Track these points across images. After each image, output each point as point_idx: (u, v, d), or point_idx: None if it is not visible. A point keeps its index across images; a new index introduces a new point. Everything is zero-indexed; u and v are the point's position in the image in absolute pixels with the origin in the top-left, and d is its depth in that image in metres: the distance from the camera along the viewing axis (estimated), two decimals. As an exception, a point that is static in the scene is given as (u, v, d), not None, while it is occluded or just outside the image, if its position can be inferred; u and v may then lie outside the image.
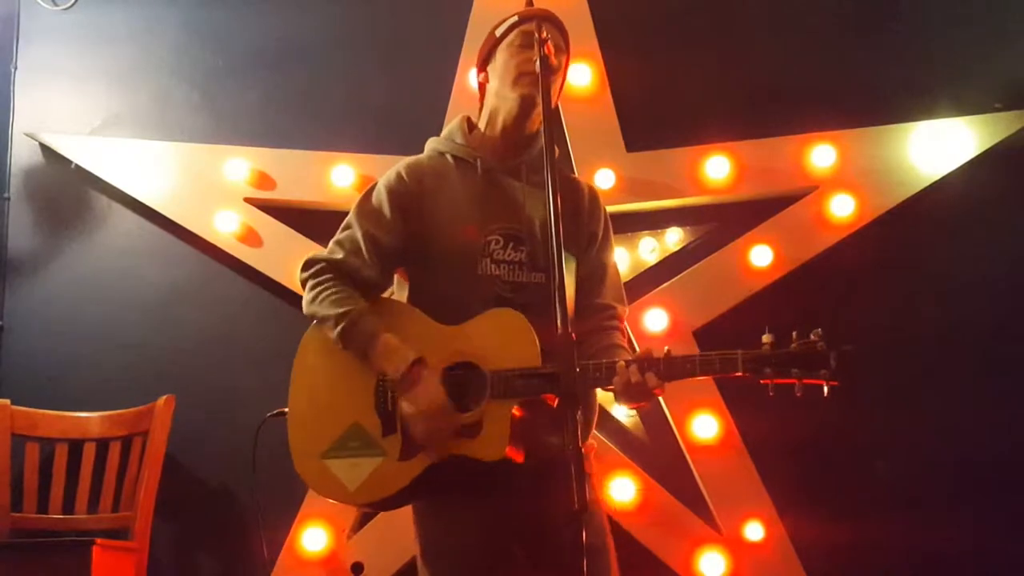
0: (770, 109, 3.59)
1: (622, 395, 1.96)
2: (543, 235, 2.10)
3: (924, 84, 3.57)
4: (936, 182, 3.45)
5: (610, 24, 3.61)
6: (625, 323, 2.27)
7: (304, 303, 2.18)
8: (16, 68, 3.85)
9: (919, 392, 3.36)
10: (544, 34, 2.03)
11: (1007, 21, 3.62)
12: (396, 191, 2.20)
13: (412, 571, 3.28)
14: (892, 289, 3.45)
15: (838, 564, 3.22)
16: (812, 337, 1.88)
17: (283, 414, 2.20)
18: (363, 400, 2.08)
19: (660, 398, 3.25)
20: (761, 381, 1.89)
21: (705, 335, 3.39)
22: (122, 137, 3.74)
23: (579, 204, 2.25)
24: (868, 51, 3.64)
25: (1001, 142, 3.45)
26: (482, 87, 2.31)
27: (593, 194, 2.31)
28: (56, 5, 3.90)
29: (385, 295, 2.28)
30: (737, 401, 3.36)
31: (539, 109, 2.13)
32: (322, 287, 2.15)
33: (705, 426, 3.35)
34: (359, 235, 2.18)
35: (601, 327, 2.19)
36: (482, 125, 2.28)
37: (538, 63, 2.01)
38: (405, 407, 2.00)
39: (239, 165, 3.63)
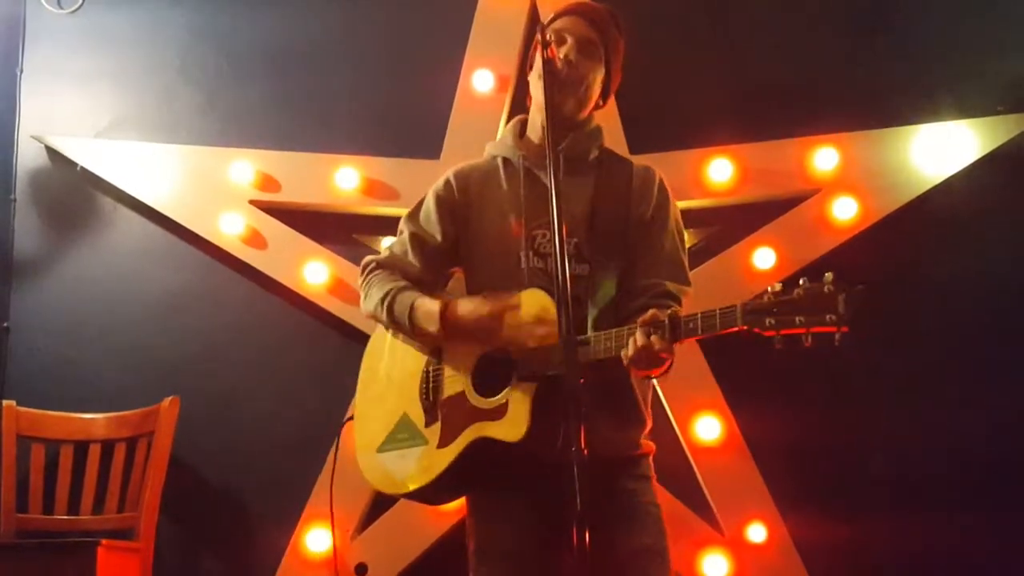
0: (773, 112, 3.59)
1: (632, 363, 1.89)
2: (588, 226, 2.12)
3: (926, 87, 3.57)
4: (939, 185, 3.45)
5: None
6: (680, 302, 2.14)
7: (361, 305, 2.28)
8: (22, 71, 3.87)
9: (921, 393, 3.37)
10: (548, 36, 2.04)
11: (1009, 24, 3.62)
12: (443, 197, 2.29)
13: (416, 572, 3.33)
14: (894, 291, 3.44)
15: (841, 565, 3.23)
16: (822, 281, 1.68)
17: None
18: (411, 390, 2.15)
19: (665, 403, 3.32)
20: (765, 334, 1.72)
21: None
22: (127, 139, 3.75)
23: (626, 187, 2.21)
24: (870, 54, 3.64)
25: (1004, 145, 3.44)
26: (530, 91, 2.32)
27: (646, 176, 2.24)
28: (62, 8, 3.91)
29: None
30: (740, 402, 3.36)
31: (574, 104, 2.18)
32: (370, 282, 2.26)
33: (708, 427, 3.35)
34: (406, 237, 2.29)
35: (645, 305, 2.03)
36: (530, 127, 2.30)
37: (539, 63, 2.02)
38: (469, 328, 2.07)
39: (244, 167, 3.64)
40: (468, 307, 2.10)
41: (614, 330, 1.92)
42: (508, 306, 2.05)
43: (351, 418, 2.28)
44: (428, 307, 2.12)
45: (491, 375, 2.04)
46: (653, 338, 1.83)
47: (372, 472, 2.18)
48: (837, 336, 1.66)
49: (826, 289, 1.67)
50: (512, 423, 1.96)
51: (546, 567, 2.02)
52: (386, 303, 2.17)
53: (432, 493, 2.12)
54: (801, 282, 1.70)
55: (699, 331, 1.82)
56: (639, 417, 2.14)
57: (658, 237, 2.19)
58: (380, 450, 2.16)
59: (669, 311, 1.87)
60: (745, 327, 1.74)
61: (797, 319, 1.68)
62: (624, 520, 2.00)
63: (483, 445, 1.99)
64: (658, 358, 1.86)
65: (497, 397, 2.01)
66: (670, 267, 2.17)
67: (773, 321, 1.70)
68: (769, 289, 1.73)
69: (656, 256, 2.17)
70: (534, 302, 2.02)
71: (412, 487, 2.10)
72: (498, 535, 2.09)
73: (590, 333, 1.97)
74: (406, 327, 2.15)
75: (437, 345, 2.17)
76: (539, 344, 1.97)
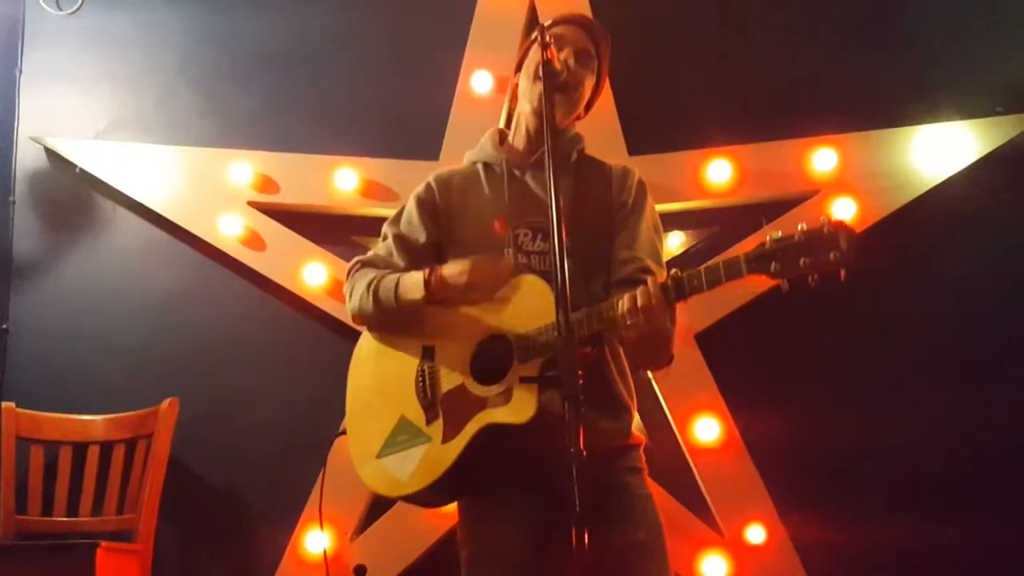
0: (772, 113, 3.60)
1: (633, 327, 1.87)
2: (571, 222, 2.09)
3: (925, 88, 3.58)
4: (937, 186, 3.45)
5: (612, 27, 3.58)
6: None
7: (347, 306, 2.26)
8: (21, 72, 3.87)
9: (921, 394, 3.37)
10: (548, 38, 2.04)
11: (1008, 25, 3.62)
12: (424, 200, 2.31)
13: (416, 573, 3.32)
14: (893, 292, 3.45)
15: (840, 566, 3.22)
16: (820, 222, 1.72)
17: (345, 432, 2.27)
18: (406, 392, 2.13)
19: (664, 404, 3.32)
20: (772, 280, 1.76)
21: (708, 338, 3.40)
22: (126, 141, 3.76)
23: (606, 183, 2.27)
24: (870, 55, 3.64)
25: (1002, 146, 3.45)
26: (515, 90, 2.34)
27: (623, 170, 2.31)
28: (61, 9, 3.91)
29: None
30: (739, 403, 3.36)
31: (565, 109, 2.20)
32: (355, 279, 2.25)
33: (707, 429, 3.35)
34: (390, 239, 2.30)
35: (628, 279, 2.12)
36: (511, 131, 2.33)
37: (540, 67, 2.03)
38: (458, 291, 2.05)
39: (243, 169, 3.64)
40: (454, 268, 2.08)
41: (614, 298, 1.92)
42: (497, 269, 2.06)
43: (343, 432, 2.25)
44: (413, 277, 2.12)
45: (489, 363, 2.04)
46: (655, 294, 1.84)
47: (373, 478, 2.14)
48: (843, 273, 1.70)
49: (826, 229, 1.70)
50: (519, 405, 1.95)
51: (542, 568, 2.01)
52: (371, 288, 2.17)
53: (437, 491, 2.09)
54: (800, 227, 1.74)
55: (704, 286, 1.83)
56: (623, 403, 2.15)
57: (637, 220, 2.23)
58: (380, 455, 2.13)
59: (673, 270, 1.88)
60: (752, 275, 1.77)
61: (801, 260, 1.72)
62: (619, 516, 1.99)
63: (491, 432, 1.98)
64: (660, 321, 1.86)
65: (500, 383, 2.00)
66: (647, 248, 2.21)
67: (778, 266, 1.75)
68: (769, 237, 1.76)
69: (635, 235, 2.21)
70: (531, 287, 2.04)
71: (420, 485, 2.07)
72: (493, 537, 2.07)
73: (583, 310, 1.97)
74: (392, 304, 2.13)
75: (426, 336, 2.15)
76: (536, 326, 1.97)
